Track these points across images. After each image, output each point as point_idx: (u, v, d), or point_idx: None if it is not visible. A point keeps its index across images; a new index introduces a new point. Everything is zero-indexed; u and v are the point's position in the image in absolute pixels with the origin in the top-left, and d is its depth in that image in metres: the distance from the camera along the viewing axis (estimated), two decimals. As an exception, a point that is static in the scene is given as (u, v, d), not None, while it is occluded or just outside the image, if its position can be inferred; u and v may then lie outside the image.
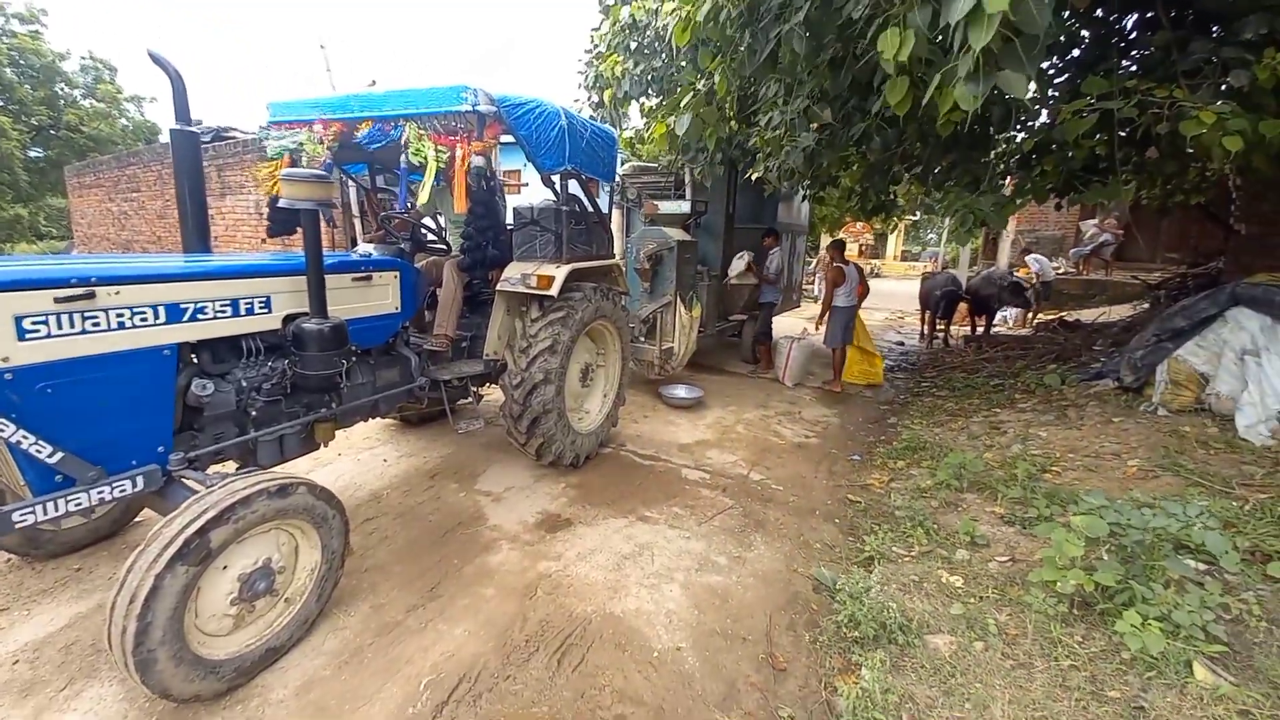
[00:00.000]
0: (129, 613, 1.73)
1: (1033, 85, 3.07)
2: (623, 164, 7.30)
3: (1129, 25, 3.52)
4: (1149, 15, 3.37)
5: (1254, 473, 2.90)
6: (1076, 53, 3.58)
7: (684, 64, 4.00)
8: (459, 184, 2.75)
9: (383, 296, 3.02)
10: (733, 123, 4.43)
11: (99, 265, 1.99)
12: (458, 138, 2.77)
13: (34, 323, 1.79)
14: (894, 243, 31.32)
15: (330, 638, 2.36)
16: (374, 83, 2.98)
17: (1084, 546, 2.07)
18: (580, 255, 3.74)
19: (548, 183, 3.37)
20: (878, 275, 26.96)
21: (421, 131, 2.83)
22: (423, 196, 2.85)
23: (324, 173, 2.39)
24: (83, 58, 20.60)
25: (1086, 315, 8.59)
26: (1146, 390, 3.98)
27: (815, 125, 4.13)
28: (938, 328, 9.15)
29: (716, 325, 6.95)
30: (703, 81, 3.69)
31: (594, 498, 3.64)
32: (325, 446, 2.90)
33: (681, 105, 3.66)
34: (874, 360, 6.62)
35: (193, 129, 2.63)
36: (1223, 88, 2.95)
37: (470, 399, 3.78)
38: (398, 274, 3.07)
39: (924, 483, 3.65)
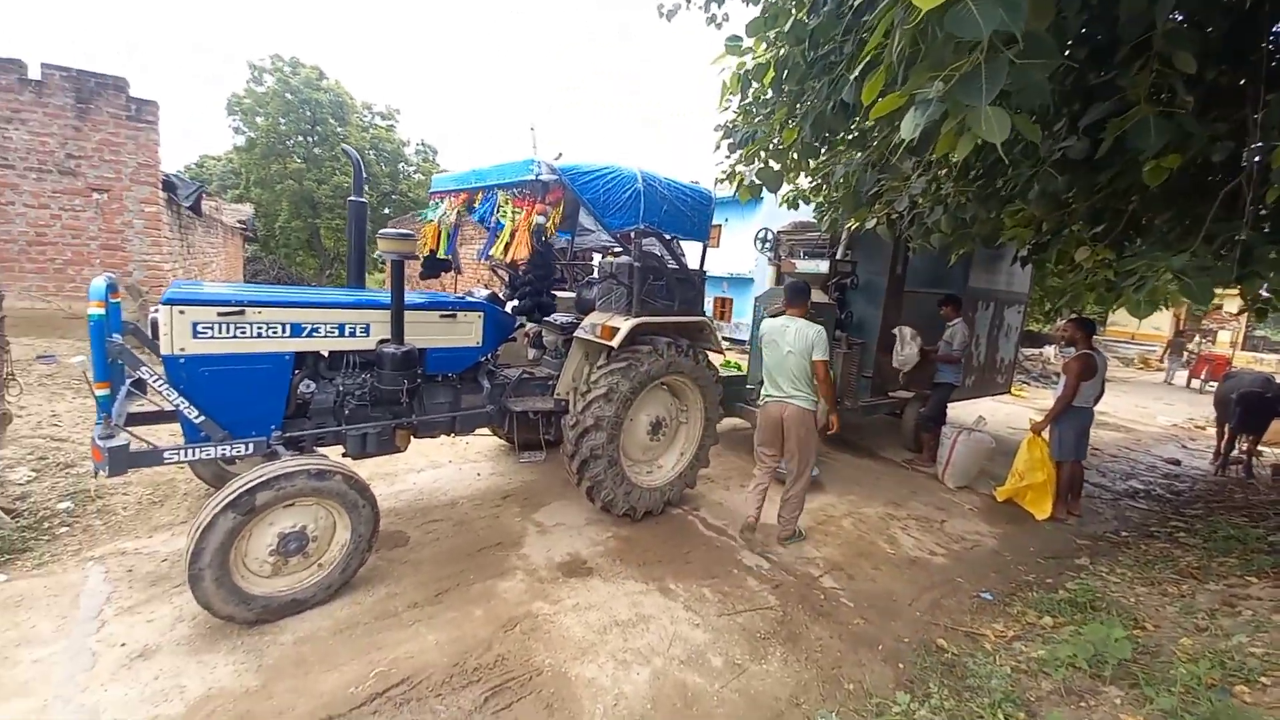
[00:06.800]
0: (191, 538, 2.38)
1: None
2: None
3: None
4: None
5: None
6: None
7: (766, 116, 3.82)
8: (520, 238, 3.15)
9: (466, 333, 3.56)
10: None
11: (250, 293, 2.86)
12: (527, 201, 3.19)
13: (204, 327, 2.67)
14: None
15: (345, 607, 2.80)
16: (560, 155, 3.62)
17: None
18: (657, 310, 3.81)
19: (619, 239, 3.58)
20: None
21: (508, 197, 3.35)
22: (498, 250, 3.33)
23: (409, 233, 3.02)
24: (417, 144, 30.30)
25: None
26: None
27: (918, 174, 3.51)
28: (1237, 447, 6.38)
29: (865, 400, 6.09)
30: (778, 131, 3.48)
31: (630, 555, 3.54)
32: (404, 450, 3.50)
33: (747, 155, 3.51)
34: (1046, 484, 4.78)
35: (363, 200, 3.59)
36: None
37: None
38: (482, 315, 3.60)
39: (1041, 653, 2.60)
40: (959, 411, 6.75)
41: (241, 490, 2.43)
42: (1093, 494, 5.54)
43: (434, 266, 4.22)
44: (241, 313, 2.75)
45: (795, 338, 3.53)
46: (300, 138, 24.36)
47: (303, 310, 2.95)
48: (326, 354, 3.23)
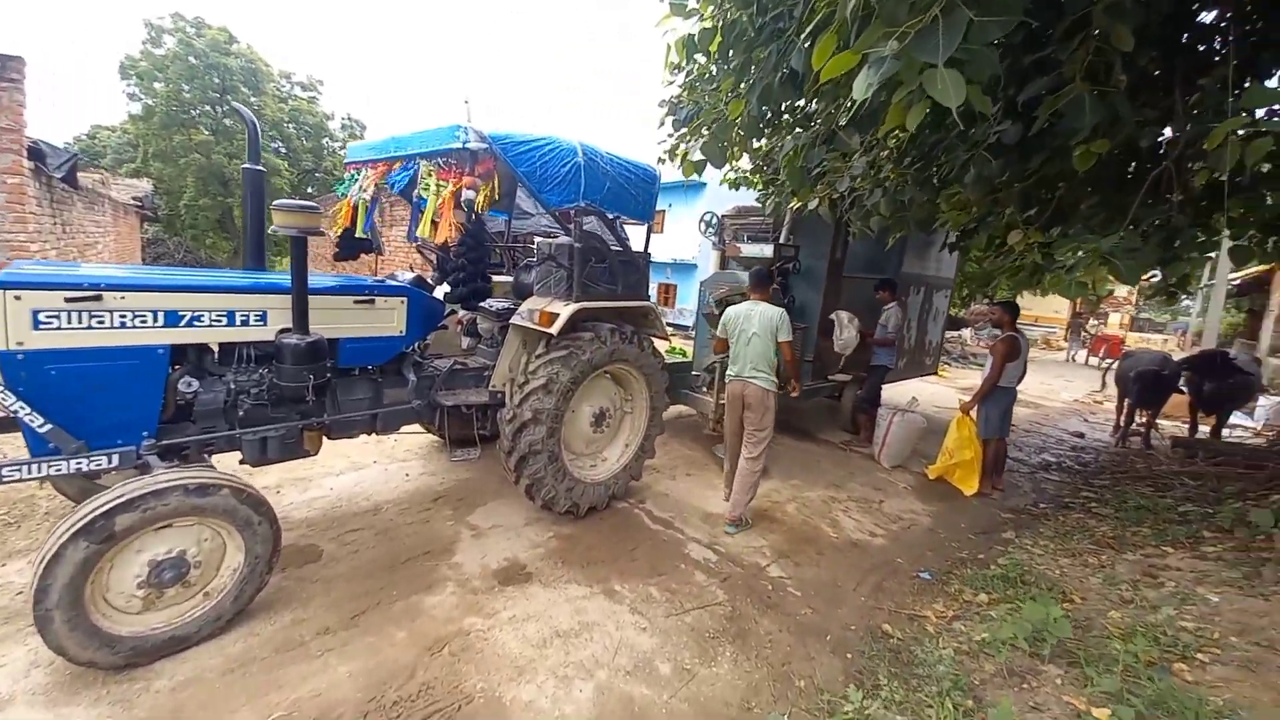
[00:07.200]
0: (35, 573, 1.96)
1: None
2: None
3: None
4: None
5: None
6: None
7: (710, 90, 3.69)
8: (444, 215, 2.82)
9: (386, 320, 3.19)
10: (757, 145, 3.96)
11: (110, 275, 2.39)
12: (453, 173, 2.86)
13: (47, 316, 2.19)
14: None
15: (240, 641, 2.43)
16: (467, 101, 3.24)
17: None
18: (600, 295, 3.58)
19: (558, 218, 3.31)
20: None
21: (431, 168, 2.99)
22: (422, 228, 2.98)
23: (310, 204, 2.62)
24: (343, 118, 28.20)
25: None
26: None
27: (859, 154, 3.47)
28: (1136, 421, 6.96)
29: (806, 384, 6.12)
30: (723, 104, 3.33)
31: (573, 555, 3.33)
32: (315, 453, 3.11)
33: (692, 130, 3.37)
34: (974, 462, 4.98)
35: (260, 169, 3.11)
36: None
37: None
38: (405, 300, 3.23)
39: (983, 635, 2.63)
40: (892, 393, 6.96)
41: (95, 514, 2.01)
42: (1012, 468, 5.84)
43: (351, 246, 3.79)
44: (98, 298, 2.28)
45: (759, 321, 3.70)
46: (207, 107, 21.95)
47: (180, 295, 2.50)
48: (215, 346, 2.79)
